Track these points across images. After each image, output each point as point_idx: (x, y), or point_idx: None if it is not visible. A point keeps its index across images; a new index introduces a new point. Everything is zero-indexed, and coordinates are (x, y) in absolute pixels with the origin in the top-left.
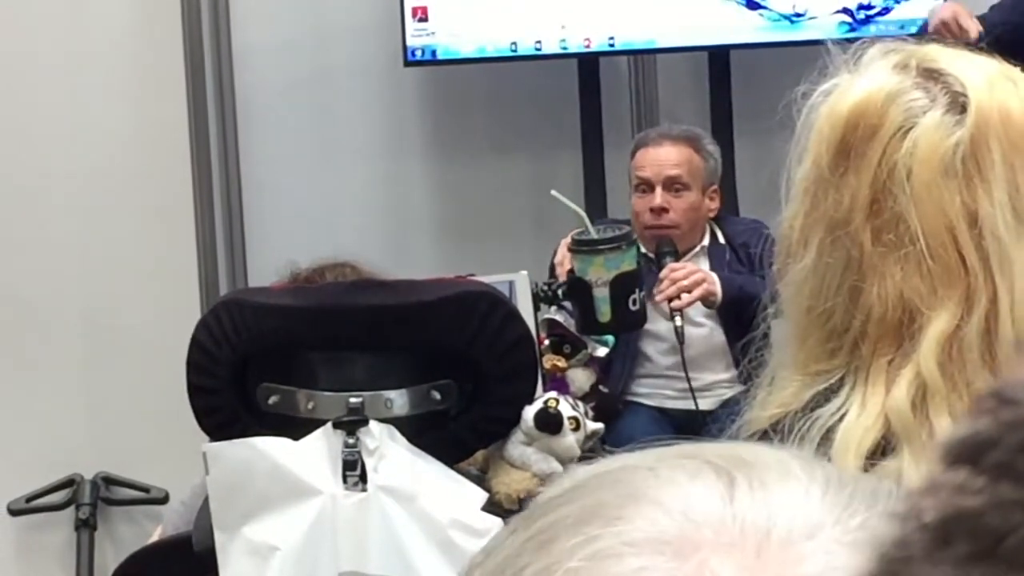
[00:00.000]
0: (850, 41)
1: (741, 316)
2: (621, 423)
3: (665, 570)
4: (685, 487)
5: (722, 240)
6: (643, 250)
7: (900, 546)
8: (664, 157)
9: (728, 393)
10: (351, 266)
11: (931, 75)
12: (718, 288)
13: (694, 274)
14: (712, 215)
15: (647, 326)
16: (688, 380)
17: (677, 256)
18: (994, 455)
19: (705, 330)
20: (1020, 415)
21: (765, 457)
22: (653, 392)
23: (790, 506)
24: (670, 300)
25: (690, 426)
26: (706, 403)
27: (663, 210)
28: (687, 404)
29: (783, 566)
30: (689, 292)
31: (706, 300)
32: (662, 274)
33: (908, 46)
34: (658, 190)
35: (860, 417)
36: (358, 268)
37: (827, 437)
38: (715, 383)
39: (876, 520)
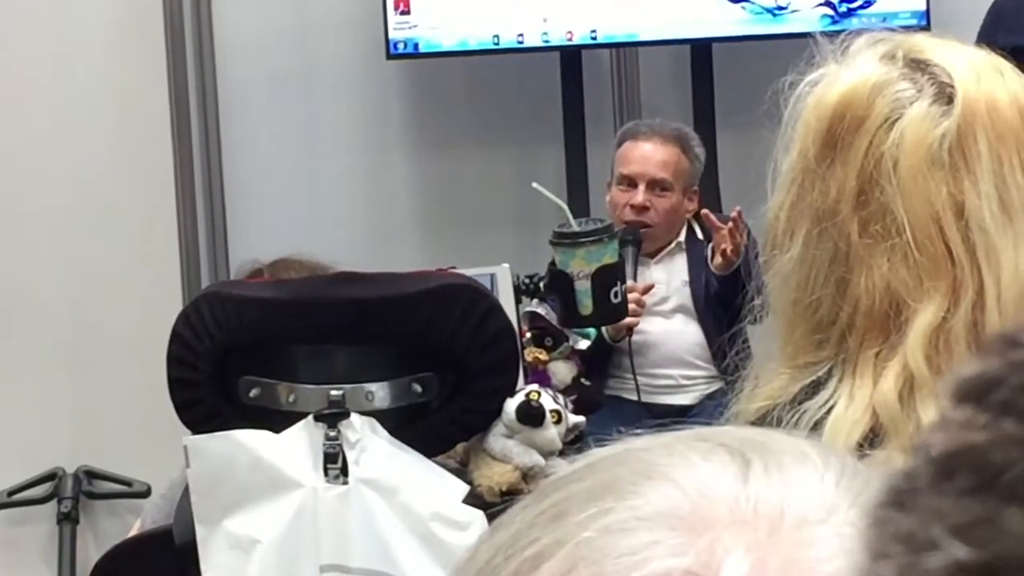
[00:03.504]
0: (836, 33)
1: (720, 315)
2: (603, 417)
3: (676, 545)
4: (700, 466)
5: (700, 236)
6: None
7: (908, 477)
8: (652, 156)
9: (708, 388)
10: (298, 261)
11: (918, 66)
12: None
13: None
14: (689, 216)
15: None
16: (635, 380)
17: (639, 247)
18: (999, 393)
19: (682, 326)
20: None
21: (781, 442)
22: (632, 387)
23: (805, 489)
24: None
25: (672, 420)
26: (686, 398)
27: (644, 208)
28: (668, 399)
29: (795, 547)
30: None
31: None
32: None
33: (896, 37)
34: (641, 188)
35: (848, 410)
36: (303, 262)
37: (815, 430)
38: (694, 379)
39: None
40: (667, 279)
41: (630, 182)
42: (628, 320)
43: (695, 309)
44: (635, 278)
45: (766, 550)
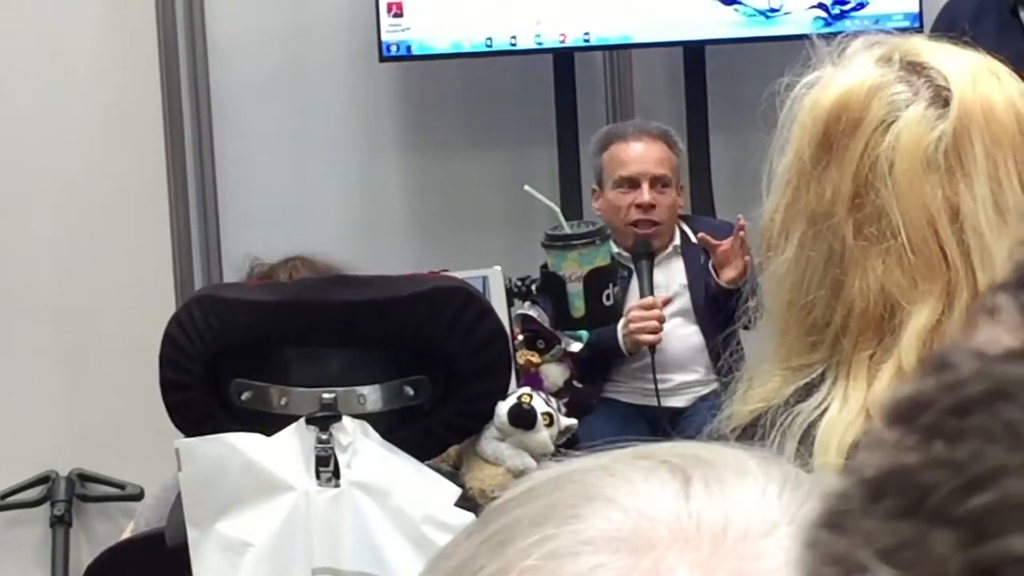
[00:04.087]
0: (833, 35)
1: (718, 317)
2: (595, 420)
3: (621, 567)
4: (640, 485)
5: (693, 239)
6: (615, 248)
7: (841, 499)
8: (648, 155)
9: (702, 391)
10: (301, 259)
11: (914, 68)
12: None
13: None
14: (679, 211)
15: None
16: (656, 388)
17: (653, 257)
18: (928, 416)
19: (682, 330)
20: (956, 378)
21: (721, 456)
22: (626, 390)
23: (747, 504)
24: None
25: (664, 423)
26: (681, 401)
27: (651, 206)
28: (664, 401)
29: (740, 562)
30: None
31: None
32: (635, 308)
33: (892, 39)
34: (644, 186)
35: (842, 412)
36: (309, 260)
37: (809, 432)
38: (691, 383)
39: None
40: (666, 283)
41: (631, 183)
42: (650, 338)
43: (694, 312)
44: (651, 292)
45: (710, 566)
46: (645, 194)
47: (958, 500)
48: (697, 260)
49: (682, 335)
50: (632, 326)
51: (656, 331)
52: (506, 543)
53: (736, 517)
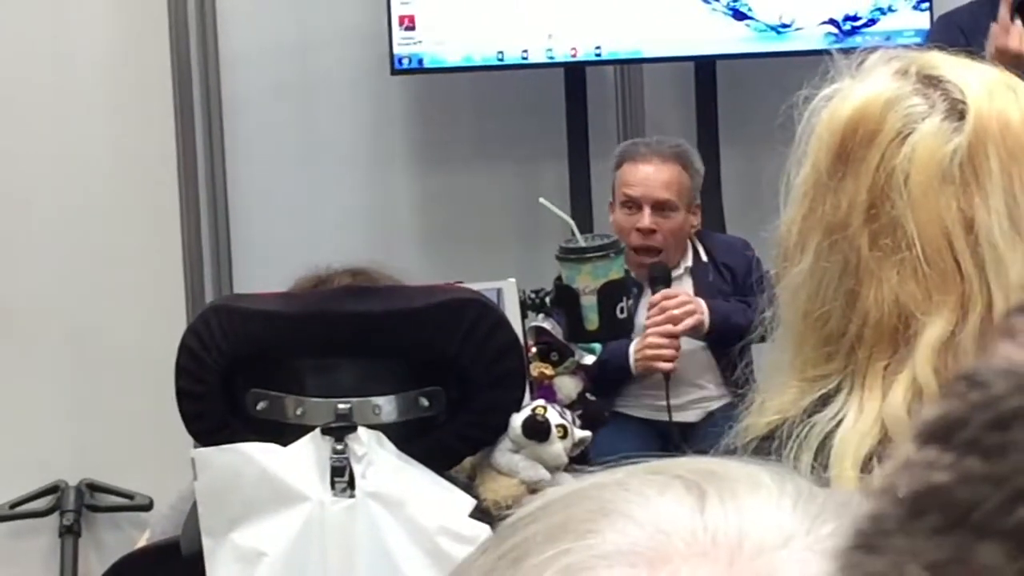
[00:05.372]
0: (850, 49)
1: (726, 343)
2: (607, 434)
3: None
4: (655, 500)
5: (704, 257)
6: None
7: (875, 520)
8: (655, 178)
9: (712, 406)
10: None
11: (931, 82)
12: (707, 319)
13: (686, 304)
14: (694, 230)
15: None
16: (668, 406)
17: (669, 283)
18: (963, 433)
19: (692, 349)
20: (988, 396)
21: (734, 470)
22: (638, 404)
23: (762, 517)
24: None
25: (676, 437)
26: (692, 416)
27: (651, 231)
28: (673, 416)
29: (756, 575)
30: (679, 322)
31: (694, 330)
32: (653, 299)
33: (910, 53)
34: (646, 211)
35: (857, 423)
36: (366, 272)
37: (825, 443)
38: (701, 398)
39: (847, 530)
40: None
41: (635, 204)
42: (666, 366)
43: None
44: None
45: None
46: (645, 219)
47: (1004, 513)
48: (706, 277)
49: (691, 351)
50: (648, 352)
51: (672, 359)
52: (521, 559)
53: (751, 531)
